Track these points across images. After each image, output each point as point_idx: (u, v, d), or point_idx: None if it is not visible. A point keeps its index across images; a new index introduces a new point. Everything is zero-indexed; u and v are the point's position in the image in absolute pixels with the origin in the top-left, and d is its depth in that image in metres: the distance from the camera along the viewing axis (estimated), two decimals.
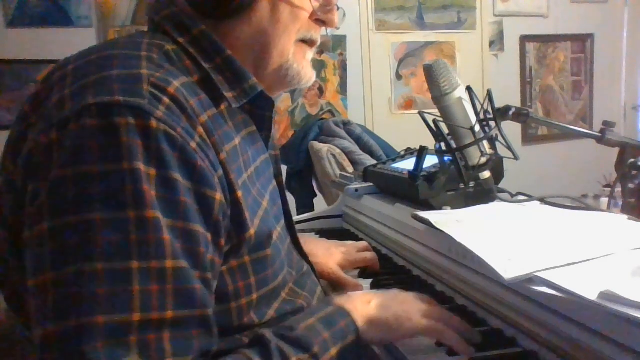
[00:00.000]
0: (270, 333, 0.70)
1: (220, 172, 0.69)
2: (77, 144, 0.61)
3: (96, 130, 0.61)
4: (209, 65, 0.76)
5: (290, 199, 2.51)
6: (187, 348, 0.60)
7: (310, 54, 0.87)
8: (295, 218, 1.64)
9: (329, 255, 1.17)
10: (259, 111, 0.83)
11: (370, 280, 1.17)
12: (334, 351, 0.72)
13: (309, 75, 0.87)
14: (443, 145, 1.10)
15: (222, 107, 0.76)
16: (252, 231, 0.72)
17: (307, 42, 0.86)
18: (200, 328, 0.62)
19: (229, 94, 0.77)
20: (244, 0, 0.77)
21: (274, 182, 0.88)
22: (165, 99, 0.65)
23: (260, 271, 0.75)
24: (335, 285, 1.13)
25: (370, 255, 1.21)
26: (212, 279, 0.67)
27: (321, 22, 0.85)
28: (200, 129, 0.67)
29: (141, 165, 0.60)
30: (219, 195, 0.67)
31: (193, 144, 0.65)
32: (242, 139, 0.78)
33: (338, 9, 0.87)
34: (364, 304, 0.81)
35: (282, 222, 0.86)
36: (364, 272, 1.20)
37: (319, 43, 0.88)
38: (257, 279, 0.74)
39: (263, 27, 0.80)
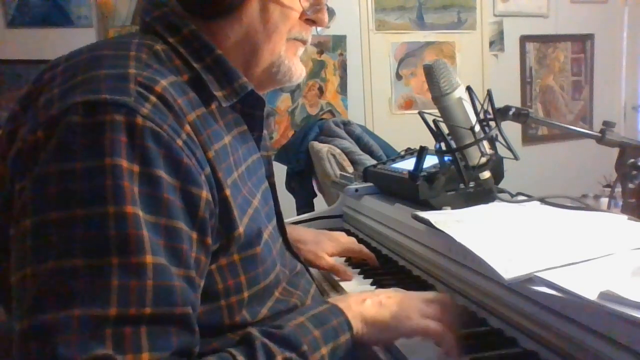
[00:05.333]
0: (257, 331, 0.69)
1: (208, 170, 0.69)
2: (62, 142, 0.61)
3: (81, 127, 0.61)
4: (199, 64, 0.76)
5: (290, 199, 2.51)
6: (164, 344, 0.60)
7: (301, 50, 0.88)
8: (295, 218, 1.65)
9: (318, 242, 1.20)
10: (249, 111, 0.84)
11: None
12: (324, 350, 0.71)
13: (299, 72, 0.87)
14: (443, 145, 1.11)
15: (213, 106, 0.77)
16: (240, 229, 0.72)
17: (298, 41, 0.86)
18: (179, 326, 0.61)
19: (218, 93, 0.77)
20: (234, 0, 0.77)
21: (266, 183, 0.89)
22: (152, 98, 0.65)
23: (250, 269, 0.75)
24: (325, 272, 1.17)
25: (357, 246, 1.26)
26: (197, 277, 0.66)
27: (311, 22, 0.86)
28: (188, 127, 0.68)
29: (124, 162, 0.60)
30: (205, 193, 0.67)
31: (179, 142, 0.65)
32: (232, 138, 0.79)
33: (328, 8, 0.87)
34: (359, 303, 0.79)
35: (274, 221, 0.86)
36: (366, 271, 1.20)
37: (309, 42, 0.88)
38: (247, 277, 0.74)
39: (253, 26, 0.80)
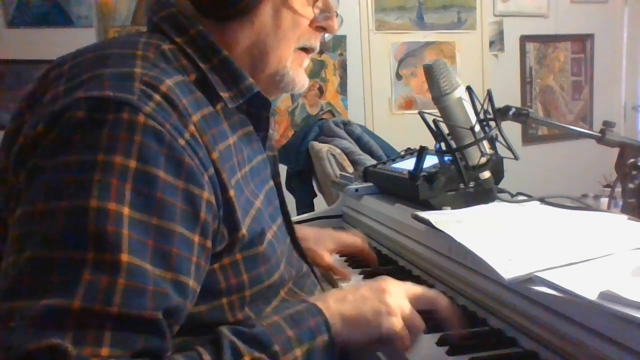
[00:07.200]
0: (227, 329, 0.66)
1: (212, 171, 0.68)
2: (61, 136, 0.62)
3: (82, 122, 0.62)
4: (205, 65, 0.76)
5: (290, 199, 2.51)
6: (128, 344, 0.58)
7: (307, 61, 0.88)
8: (295, 218, 1.65)
9: (318, 239, 1.19)
10: (255, 111, 0.84)
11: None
12: (298, 351, 0.67)
13: (302, 83, 0.88)
14: (443, 145, 1.11)
15: (218, 106, 0.77)
16: (243, 231, 0.72)
17: (306, 49, 0.86)
18: (146, 330, 0.59)
19: (225, 94, 0.77)
20: (248, 3, 0.78)
21: (271, 183, 0.88)
22: (157, 97, 0.65)
23: (253, 268, 0.75)
24: (324, 271, 1.16)
25: (360, 242, 1.24)
26: (192, 282, 0.64)
27: (321, 29, 0.86)
28: (192, 127, 0.67)
29: (118, 158, 0.60)
30: (206, 194, 0.66)
31: (182, 141, 0.65)
32: (238, 138, 0.78)
33: (337, 15, 0.87)
34: (338, 301, 0.75)
35: (279, 221, 0.86)
36: (366, 272, 1.20)
37: (317, 50, 0.88)
38: (249, 276, 0.74)
39: (264, 31, 0.81)
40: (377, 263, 1.22)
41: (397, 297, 0.77)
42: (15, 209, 0.62)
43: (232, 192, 0.71)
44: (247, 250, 0.74)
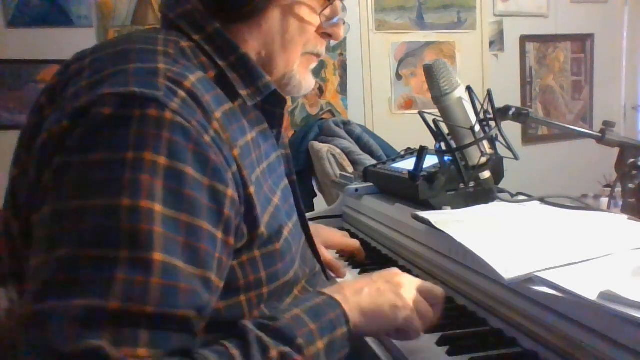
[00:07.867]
0: (251, 324, 0.67)
1: (235, 168, 0.68)
2: (88, 132, 0.61)
3: (109, 119, 0.61)
4: (223, 62, 0.77)
5: None
6: (163, 343, 0.58)
7: (314, 64, 0.89)
8: None
9: (316, 236, 1.19)
10: (270, 108, 0.84)
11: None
12: (320, 344, 0.68)
13: (309, 85, 0.88)
14: (443, 145, 1.11)
15: (236, 103, 0.77)
16: (262, 228, 0.72)
17: (313, 55, 0.87)
18: (179, 328, 0.60)
19: (243, 92, 0.77)
20: (256, 6, 0.78)
21: (286, 180, 0.89)
22: (181, 93, 0.65)
23: (270, 265, 0.75)
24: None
25: (352, 241, 1.31)
26: (216, 279, 0.65)
27: (327, 36, 0.87)
28: (215, 124, 0.67)
29: (147, 155, 0.60)
30: (230, 192, 0.66)
31: (207, 138, 0.65)
32: (256, 134, 0.79)
33: (344, 23, 0.88)
34: (355, 294, 0.76)
35: (295, 219, 0.86)
36: (366, 271, 1.20)
37: (323, 56, 0.89)
38: (267, 273, 0.74)
39: (271, 35, 0.81)
40: (362, 253, 1.29)
41: (411, 290, 0.79)
42: (41, 207, 0.62)
43: (252, 189, 0.71)
44: (265, 247, 0.74)
